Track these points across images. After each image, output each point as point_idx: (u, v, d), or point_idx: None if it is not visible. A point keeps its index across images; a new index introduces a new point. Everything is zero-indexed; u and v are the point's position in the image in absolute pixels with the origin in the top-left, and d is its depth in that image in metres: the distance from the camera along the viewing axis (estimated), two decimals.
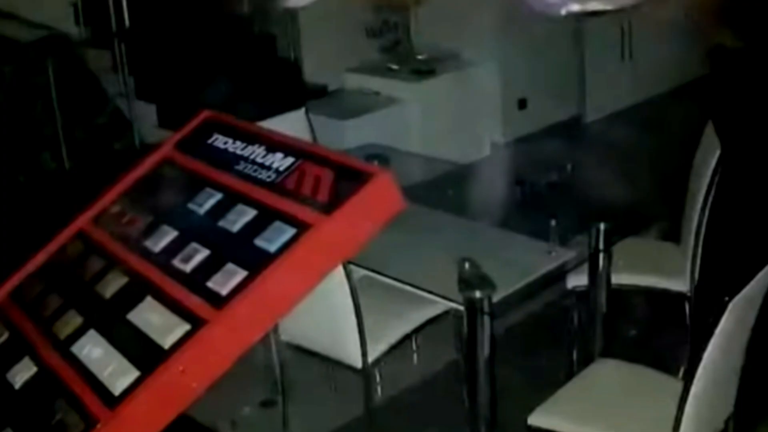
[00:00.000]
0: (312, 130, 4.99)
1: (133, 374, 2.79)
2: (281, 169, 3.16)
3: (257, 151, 3.31)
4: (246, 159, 3.32)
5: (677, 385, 3.05)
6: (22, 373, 3.05)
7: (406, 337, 3.74)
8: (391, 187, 2.96)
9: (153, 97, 6.63)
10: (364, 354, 3.51)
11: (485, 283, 3.24)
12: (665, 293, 4.02)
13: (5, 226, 5.27)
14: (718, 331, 2.69)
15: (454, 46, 7.01)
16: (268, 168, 3.20)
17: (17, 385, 3.03)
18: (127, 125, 6.57)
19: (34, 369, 3.05)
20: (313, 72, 6.73)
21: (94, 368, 2.89)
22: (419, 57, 7.00)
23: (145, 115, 6.62)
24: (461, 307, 3.31)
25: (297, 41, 6.74)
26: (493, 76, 6.96)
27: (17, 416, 2.97)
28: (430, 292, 3.48)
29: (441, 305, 3.58)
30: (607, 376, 3.41)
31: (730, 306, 2.67)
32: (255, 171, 3.23)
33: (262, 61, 6.50)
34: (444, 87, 6.75)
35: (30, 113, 6.07)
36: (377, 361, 3.63)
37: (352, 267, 3.35)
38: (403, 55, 7.07)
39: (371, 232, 2.98)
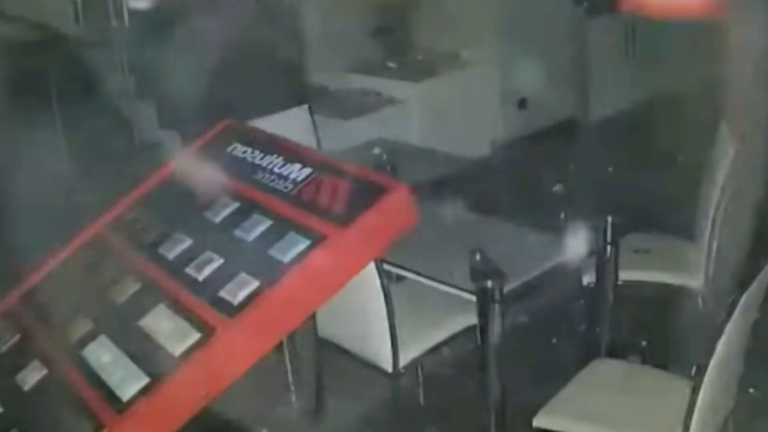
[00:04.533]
0: (315, 128, 5.00)
1: (143, 381, 2.79)
2: (298, 179, 3.16)
3: (275, 161, 3.30)
4: (264, 169, 3.31)
5: (679, 382, 3.12)
6: (32, 376, 3.04)
7: (440, 344, 3.72)
8: (407, 201, 2.96)
9: (153, 97, 6.63)
10: (395, 357, 3.52)
11: (496, 272, 3.27)
12: (679, 290, 4.05)
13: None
14: (729, 326, 2.72)
15: (455, 46, 7.03)
16: (286, 178, 3.20)
17: (26, 387, 3.02)
18: (127, 125, 6.57)
19: (44, 372, 3.04)
20: (314, 72, 6.74)
21: (103, 373, 2.88)
22: (420, 57, 7.02)
23: (145, 115, 6.62)
24: (473, 297, 3.34)
25: (299, 41, 6.74)
26: (493, 76, 6.99)
27: (25, 418, 2.96)
28: (443, 283, 3.51)
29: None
30: (608, 376, 3.44)
31: (741, 302, 2.71)
32: (272, 181, 3.23)
33: (262, 60, 6.51)
34: (444, 87, 6.78)
35: (30, 113, 6.07)
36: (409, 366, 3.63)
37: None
38: (403, 56, 7.08)
39: (386, 245, 2.99)
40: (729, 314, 2.71)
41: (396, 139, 5.40)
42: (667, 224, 4.62)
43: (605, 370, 3.48)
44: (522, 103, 7.17)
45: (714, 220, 3.84)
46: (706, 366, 2.76)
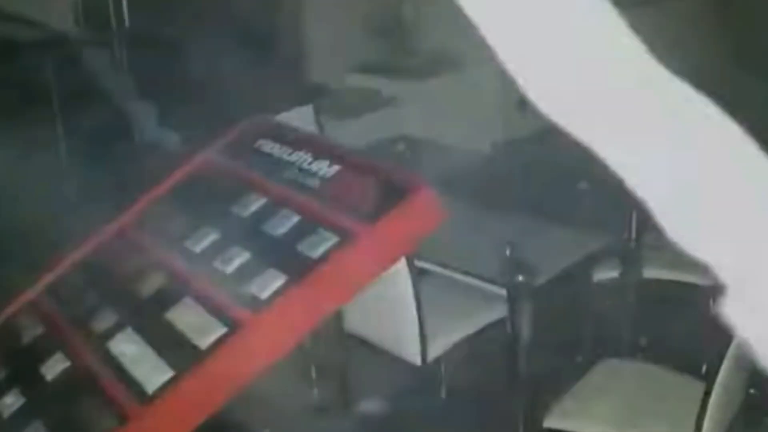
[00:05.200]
0: (320, 128, 5.03)
1: (168, 373, 2.79)
2: (327, 176, 3.15)
3: (303, 157, 3.29)
4: (292, 164, 3.30)
5: (691, 382, 3.16)
6: (55, 367, 3.04)
7: (468, 338, 3.78)
8: (434, 200, 2.95)
9: (153, 97, 6.63)
10: (424, 351, 3.55)
11: (528, 267, 3.31)
12: (692, 288, 4.05)
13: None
14: None
15: (455, 45, 7.04)
16: (314, 174, 3.18)
17: (48, 378, 3.02)
18: (127, 125, 6.57)
19: (67, 363, 3.04)
20: (314, 71, 6.75)
21: (128, 365, 2.89)
22: (420, 57, 7.04)
23: (145, 115, 6.62)
24: (500, 291, 3.38)
25: (299, 40, 6.76)
26: (493, 76, 6.99)
27: (47, 409, 2.97)
28: (476, 276, 3.56)
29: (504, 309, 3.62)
30: (619, 375, 3.47)
31: None
32: (300, 177, 3.22)
33: (263, 60, 6.52)
34: (444, 87, 6.80)
35: (30, 113, 6.06)
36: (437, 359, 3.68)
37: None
38: (404, 55, 7.10)
39: (413, 243, 3.01)
40: None
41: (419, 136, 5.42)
42: None
43: (617, 369, 3.51)
44: (522, 104, 7.17)
45: None
46: (718, 366, 2.79)
